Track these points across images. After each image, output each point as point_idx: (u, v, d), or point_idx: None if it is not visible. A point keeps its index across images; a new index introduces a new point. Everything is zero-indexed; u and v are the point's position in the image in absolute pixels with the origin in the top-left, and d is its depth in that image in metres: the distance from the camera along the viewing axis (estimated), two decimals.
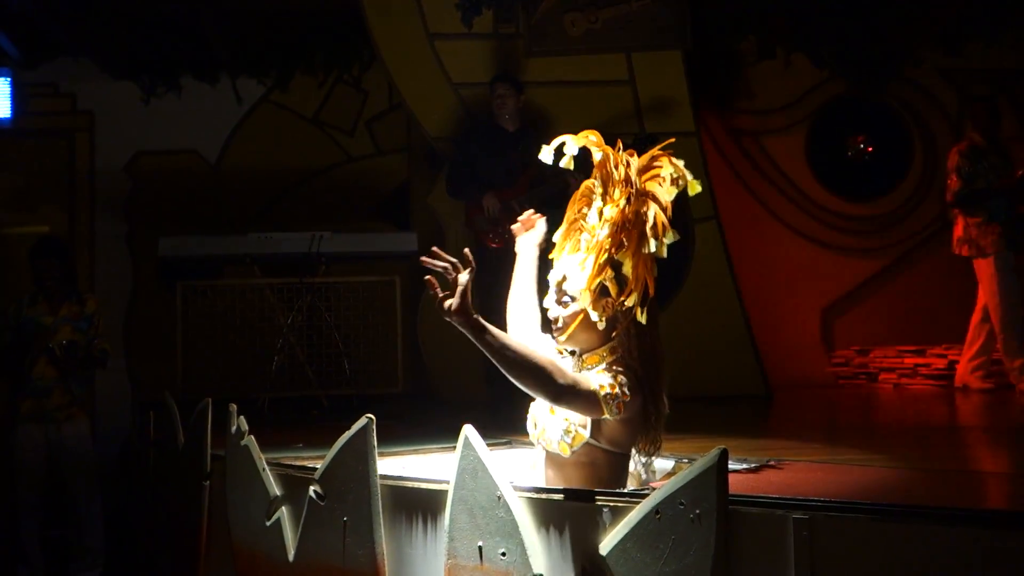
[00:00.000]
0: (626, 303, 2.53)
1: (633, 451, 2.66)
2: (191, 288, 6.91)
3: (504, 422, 4.35)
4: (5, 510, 5.87)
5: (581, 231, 2.67)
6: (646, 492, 2.16)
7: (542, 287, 2.79)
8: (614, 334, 2.59)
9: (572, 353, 2.68)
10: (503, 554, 2.32)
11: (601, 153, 2.64)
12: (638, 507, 2.07)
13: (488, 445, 2.43)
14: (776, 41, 8.11)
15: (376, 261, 7.22)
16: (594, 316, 2.56)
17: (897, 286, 8.14)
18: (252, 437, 3.42)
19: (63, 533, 5.97)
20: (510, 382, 2.55)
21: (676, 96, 7.07)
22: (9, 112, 7.85)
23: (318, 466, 2.97)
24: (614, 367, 2.55)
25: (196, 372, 6.82)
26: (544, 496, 2.33)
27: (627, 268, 2.54)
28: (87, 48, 7.57)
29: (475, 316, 2.38)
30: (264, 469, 3.32)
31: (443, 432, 4.04)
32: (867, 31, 7.96)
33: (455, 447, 2.46)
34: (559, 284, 2.64)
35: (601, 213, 2.60)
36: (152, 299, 7.81)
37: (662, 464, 2.94)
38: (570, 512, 2.25)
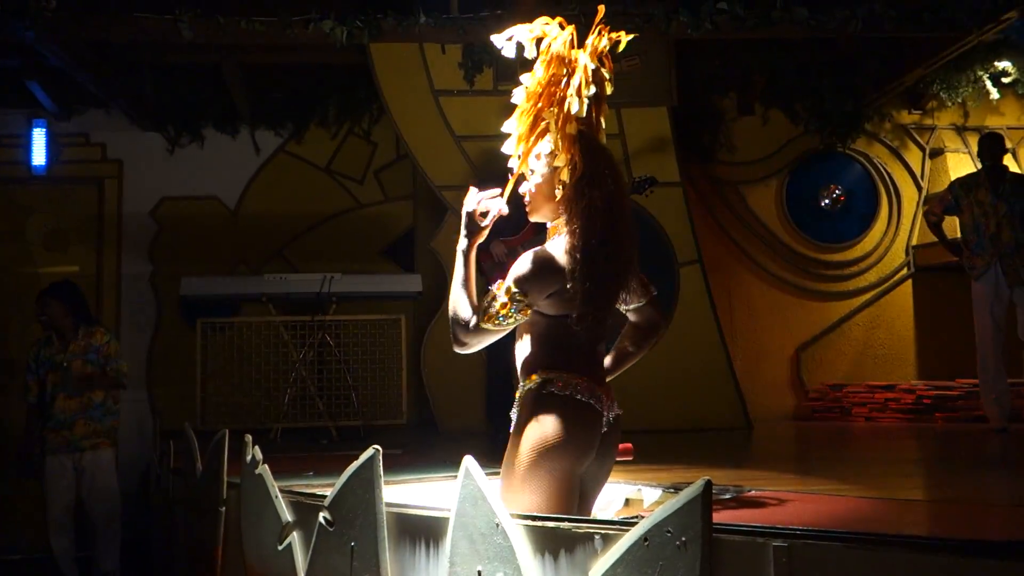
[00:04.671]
0: (559, 165, 2.51)
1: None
2: (210, 325, 6.92)
3: (502, 453, 4.33)
4: (44, 533, 5.83)
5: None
6: (635, 520, 2.15)
7: None
8: (565, 205, 2.54)
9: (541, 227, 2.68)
10: None
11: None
12: (628, 534, 2.05)
13: (487, 475, 2.42)
14: (755, 98, 8.20)
15: (383, 301, 7.24)
16: (533, 182, 2.59)
17: (868, 326, 8.16)
18: (266, 466, 3.40)
19: (85, 555, 5.92)
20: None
21: (662, 148, 7.12)
22: (44, 160, 7.91)
23: (327, 494, 2.95)
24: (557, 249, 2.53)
25: (214, 403, 6.81)
26: (539, 524, 2.31)
27: (552, 132, 2.52)
28: (117, 101, 7.63)
29: (471, 252, 2.54)
30: (277, 496, 3.29)
31: (445, 462, 4.03)
32: (839, 90, 8.04)
33: (456, 477, 2.45)
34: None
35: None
36: (174, 335, 7.81)
37: (650, 493, 2.93)
38: (564, 538, 2.24)
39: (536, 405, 2.47)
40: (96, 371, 5.68)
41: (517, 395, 2.55)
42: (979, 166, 6.38)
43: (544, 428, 2.43)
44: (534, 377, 2.49)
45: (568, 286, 2.46)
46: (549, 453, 2.42)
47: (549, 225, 2.67)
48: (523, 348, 2.58)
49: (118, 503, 5.83)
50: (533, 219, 2.68)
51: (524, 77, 2.60)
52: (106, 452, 5.75)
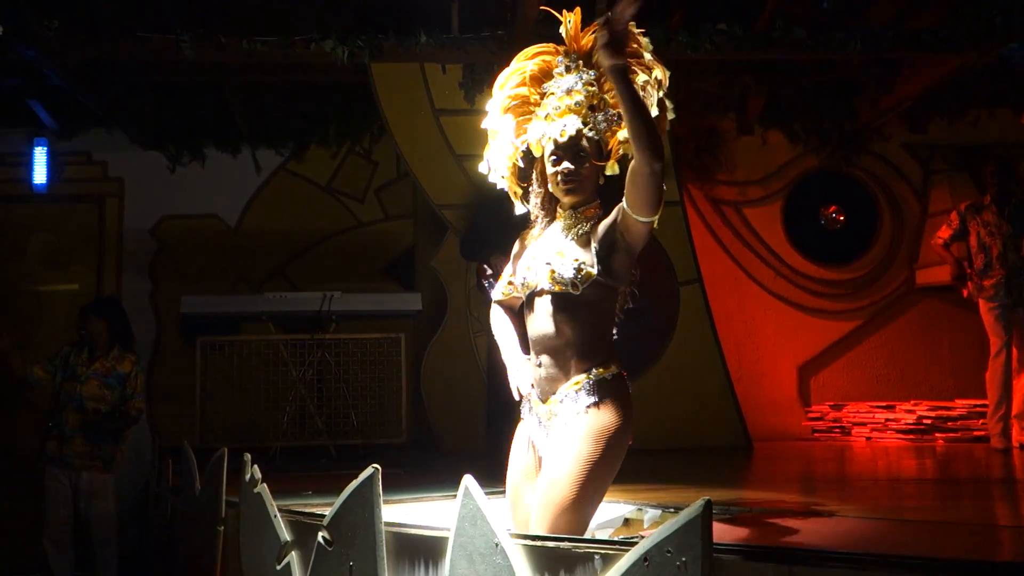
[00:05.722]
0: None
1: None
2: (210, 343, 6.91)
3: (502, 472, 4.31)
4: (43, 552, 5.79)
5: (535, 104, 2.86)
6: (635, 540, 2.14)
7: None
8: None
9: (572, 208, 2.71)
10: None
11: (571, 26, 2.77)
12: (628, 554, 2.04)
13: (487, 494, 2.41)
14: (754, 119, 8.22)
15: (383, 319, 7.23)
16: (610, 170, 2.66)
17: (868, 345, 8.15)
18: (265, 485, 3.39)
19: (85, 575, 5.89)
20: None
21: None
22: (45, 178, 7.93)
23: (326, 513, 2.95)
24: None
25: (213, 422, 6.79)
26: (539, 543, 2.30)
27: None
28: (119, 120, 7.65)
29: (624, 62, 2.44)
30: (276, 515, 3.29)
31: (444, 481, 4.02)
32: (838, 110, 8.06)
33: (456, 496, 2.44)
34: (573, 139, 2.66)
35: (595, 83, 2.72)
36: (174, 353, 7.80)
37: (650, 513, 2.92)
38: (563, 558, 2.23)
39: (611, 392, 2.57)
40: (111, 397, 5.64)
41: (578, 381, 2.59)
42: (982, 188, 6.43)
43: (619, 414, 2.57)
44: (612, 367, 2.60)
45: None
46: (621, 436, 2.56)
47: (576, 210, 2.70)
48: (581, 328, 2.60)
49: (115, 526, 5.80)
50: (570, 199, 2.71)
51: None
52: (102, 476, 5.71)
